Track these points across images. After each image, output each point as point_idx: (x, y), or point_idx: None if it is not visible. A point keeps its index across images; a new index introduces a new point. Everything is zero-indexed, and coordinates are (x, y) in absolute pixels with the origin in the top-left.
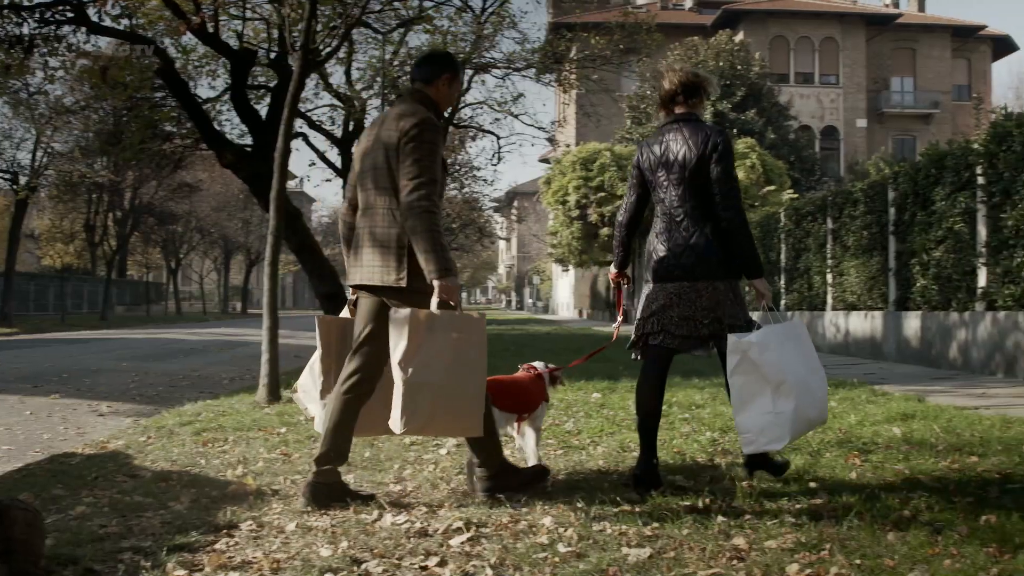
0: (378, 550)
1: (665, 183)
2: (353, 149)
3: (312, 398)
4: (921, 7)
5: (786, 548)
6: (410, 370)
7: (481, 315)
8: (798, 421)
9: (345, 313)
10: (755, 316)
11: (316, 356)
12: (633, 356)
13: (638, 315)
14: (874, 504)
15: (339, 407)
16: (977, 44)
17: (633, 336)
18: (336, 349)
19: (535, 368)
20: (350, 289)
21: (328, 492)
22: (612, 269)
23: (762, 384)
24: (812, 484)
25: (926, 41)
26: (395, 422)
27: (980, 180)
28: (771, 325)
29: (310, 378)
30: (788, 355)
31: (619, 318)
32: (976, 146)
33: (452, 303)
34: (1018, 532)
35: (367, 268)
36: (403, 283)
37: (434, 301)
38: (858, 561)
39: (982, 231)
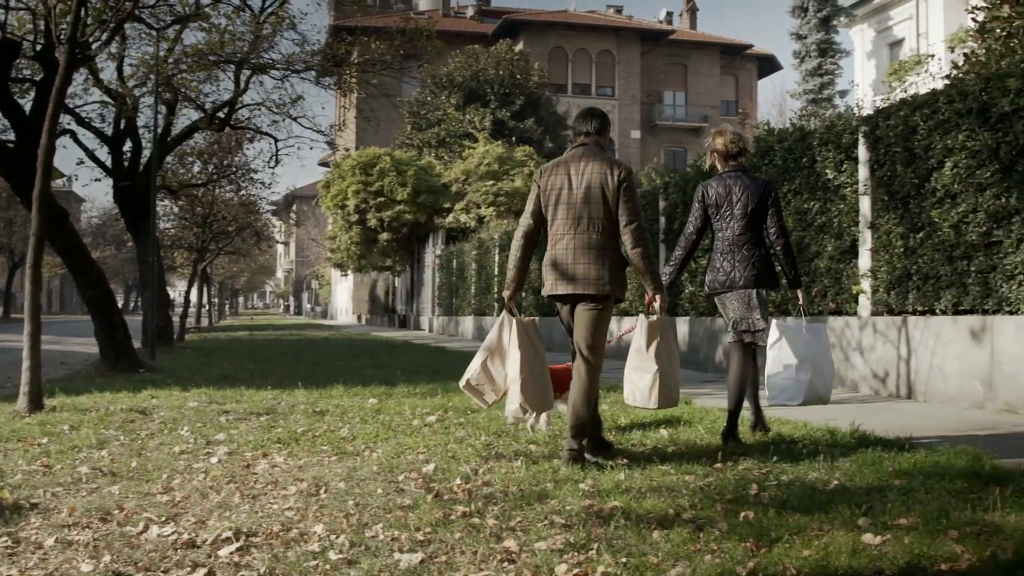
0: (143, 563)
1: (728, 216)
2: (539, 181)
3: (489, 389)
4: (693, 25)
5: (555, 549)
6: (661, 361)
7: (673, 316)
8: (810, 391)
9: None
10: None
11: (486, 353)
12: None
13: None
14: (641, 504)
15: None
16: (744, 62)
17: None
18: (534, 346)
19: None
20: (503, 293)
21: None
22: None
23: (790, 357)
24: (582, 486)
25: (697, 58)
26: (650, 400)
27: None
28: (802, 321)
29: (484, 372)
30: (811, 344)
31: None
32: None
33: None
34: (774, 527)
35: (583, 281)
36: (612, 292)
37: (661, 310)
38: (624, 559)
39: None
